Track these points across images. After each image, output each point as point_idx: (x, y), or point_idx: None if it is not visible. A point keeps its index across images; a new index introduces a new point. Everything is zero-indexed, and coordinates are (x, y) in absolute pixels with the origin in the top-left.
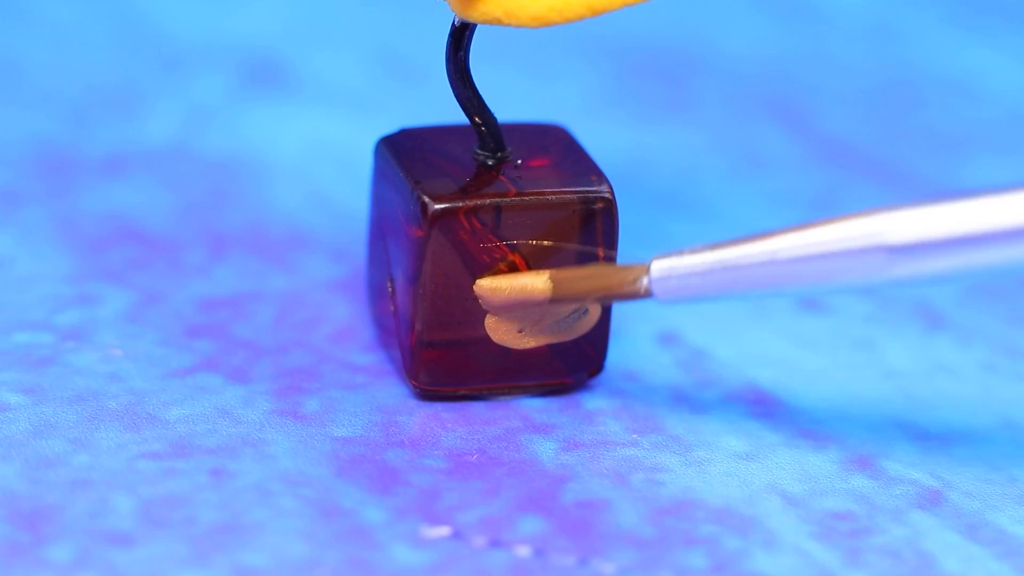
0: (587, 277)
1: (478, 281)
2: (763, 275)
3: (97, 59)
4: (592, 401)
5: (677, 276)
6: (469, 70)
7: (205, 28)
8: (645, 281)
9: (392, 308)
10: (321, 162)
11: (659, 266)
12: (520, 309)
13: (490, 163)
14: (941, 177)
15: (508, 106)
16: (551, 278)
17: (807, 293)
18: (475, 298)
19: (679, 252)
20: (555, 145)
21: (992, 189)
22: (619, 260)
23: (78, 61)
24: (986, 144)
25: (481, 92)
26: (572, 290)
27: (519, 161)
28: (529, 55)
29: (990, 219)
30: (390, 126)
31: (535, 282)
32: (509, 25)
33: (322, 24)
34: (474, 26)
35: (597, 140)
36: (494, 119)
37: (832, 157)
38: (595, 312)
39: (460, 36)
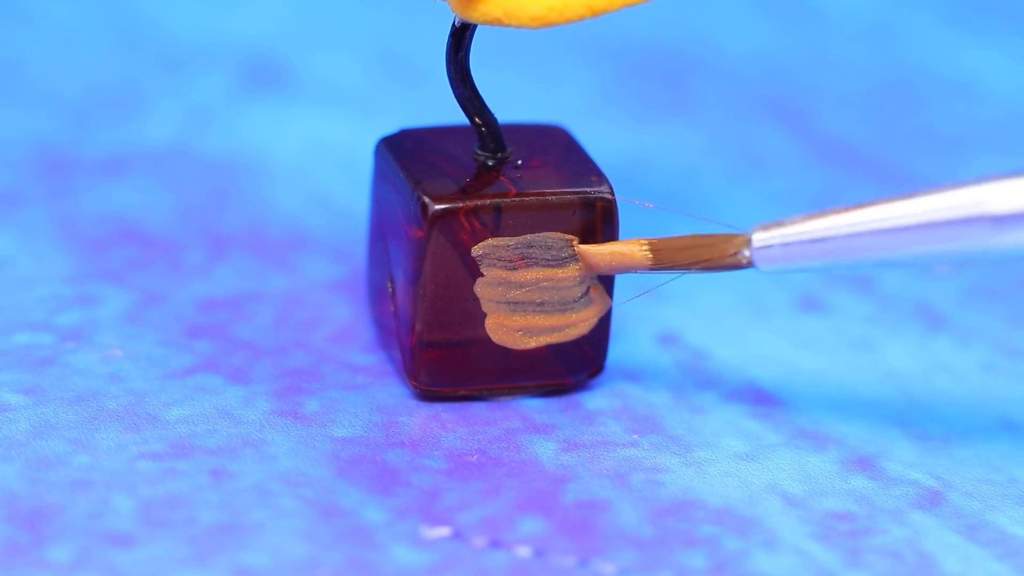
0: (688, 247)
1: (579, 246)
2: (867, 244)
3: (98, 59)
4: (592, 401)
5: (780, 246)
6: (469, 70)
7: (205, 28)
8: (747, 252)
9: (392, 308)
10: (321, 163)
11: (761, 237)
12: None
13: (490, 163)
14: (940, 177)
15: (508, 106)
16: (651, 247)
17: (911, 262)
18: (475, 298)
19: (780, 222)
20: (555, 146)
21: None
22: None
23: (79, 61)
24: (985, 144)
25: (481, 92)
26: (673, 259)
27: (519, 161)
28: (530, 55)
29: None
30: (390, 127)
31: (634, 250)
32: (509, 25)
33: (322, 24)
34: (474, 27)
35: (597, 141)
36: (494, 119)
37: (832, 157)
38: (599, 303)
39: (460, 37)
